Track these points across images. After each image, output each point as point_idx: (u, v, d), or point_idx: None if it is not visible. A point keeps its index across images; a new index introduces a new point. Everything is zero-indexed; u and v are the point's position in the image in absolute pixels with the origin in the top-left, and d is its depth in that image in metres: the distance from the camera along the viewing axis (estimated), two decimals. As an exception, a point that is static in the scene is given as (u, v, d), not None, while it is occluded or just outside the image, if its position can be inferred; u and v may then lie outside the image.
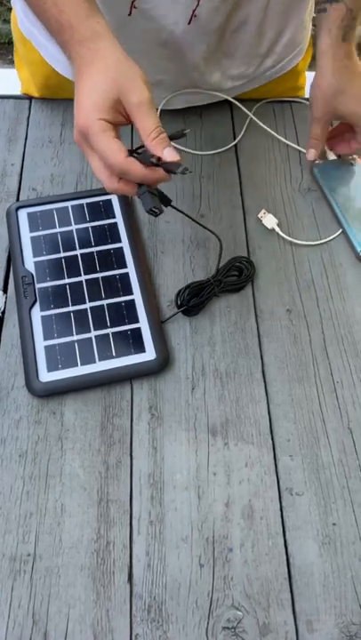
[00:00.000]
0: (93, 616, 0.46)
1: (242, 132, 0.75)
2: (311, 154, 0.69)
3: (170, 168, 0.49)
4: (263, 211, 0.68)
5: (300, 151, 0.74)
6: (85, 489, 0.51)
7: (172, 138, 0.51)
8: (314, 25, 0.71)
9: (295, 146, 0.75)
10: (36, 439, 0.53)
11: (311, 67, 0.77)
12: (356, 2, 0.64)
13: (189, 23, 0.63)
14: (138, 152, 0.50)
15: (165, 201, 0.53)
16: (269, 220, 0.67)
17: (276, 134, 0.75)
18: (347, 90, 0.65)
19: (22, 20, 0.73)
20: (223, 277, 0.61)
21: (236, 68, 0.73)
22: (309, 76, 0.82)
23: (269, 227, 0.67)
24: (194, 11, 0.62)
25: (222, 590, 0.48)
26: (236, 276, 0.62)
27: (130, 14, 0.63)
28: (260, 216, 0.67)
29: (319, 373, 0.58)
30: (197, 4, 0.62)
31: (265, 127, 0.75)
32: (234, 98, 0.77)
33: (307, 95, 0.80)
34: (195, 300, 0.60)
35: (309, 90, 0.69)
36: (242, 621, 0.47)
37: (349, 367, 0.59)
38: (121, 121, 0.49)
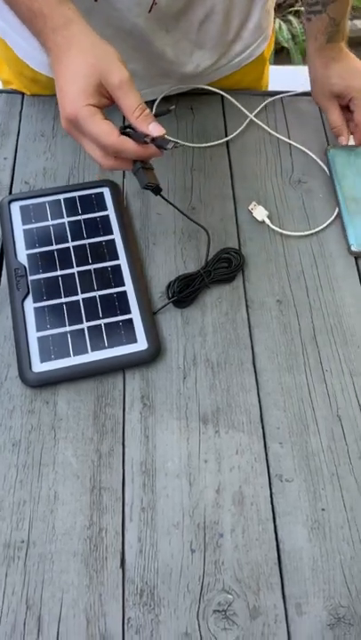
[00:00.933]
0: (86, 601, 0.47)
1: (237, 130, 0.76)
2: (342, 140, 0.72)
3: (160, 144, 0.50)
4: (254, 203, 0.68)
5: (290, 144, 0.75)
6: (78, 477, 0.52)
7: (157, 115, 0.52)
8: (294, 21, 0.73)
9: (285, 139, 0.75)
10: (30, 428, 0.54)
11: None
12: (338, 11, 0.68)
13: (150, 11, 0.65)
14: (130, 128, 0.51)
15: (156, 190, 0.54)
16: (260, 212, 0.67)
17: (266, 127, 0.76)
18: (335, 72, 0.70)
19: None
20: (212, 268, 0.62)
21: (208, 59, 0.75)
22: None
23: (260, 219, 0.67)
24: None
25: (213, 575, 0.48)
26: (225, 267, 0.63)
27: (96, 0, 0.63)
28: (250, 208, 0.68)
29: (309, 362, 0.59)
30: None
31: (257, 121, 0.76)
32: (223, 90, 0.78)
33: (277, 88, 0.82)
34: (186, 291, 0.61)
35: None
36: (232, 605, 0.47)
37: (338, 356, 0.59)
38: (105, 103, 0.50)
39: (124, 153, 0.50)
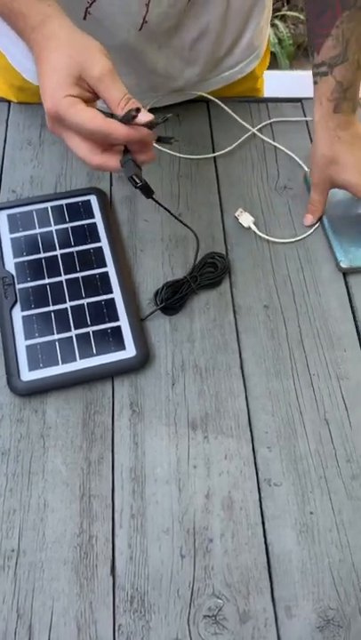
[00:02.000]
0: (77, 608, 0.47)
1: (228, 147, 0.77)
2: (308, 219, 0.69)
3: (150, 126, 0.48)
4: (240, 209, 0.69)
5: (276, 150, 0.76)
6: (68, 485, 0.52)
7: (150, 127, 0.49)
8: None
9: (271, 141, 0.76)
10: (19, 437, 0.54)
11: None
12: (345, 75, 0.62)
13: (140, 29, 0.65)
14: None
15: (149, 192, 0.52)
16: (246, 219, 0.68)
17: (255, 131, 0.76)
18: (340, 160, 0.65)
19: None
20: (199, 274, 0.63)
21: (198, 75, 0.75)
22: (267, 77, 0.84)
23: (246, 225, 0.68)
24: (144, 17, 0.63)
25: (203, 580, 0.49)
26: (211, 272, 0.64)
27: (85, 18, 0.64)
28: (236, 215, 0.69)
29: (296, 367, 0.60)
30: (147, 11, 0.63)
31: (245, 124, 0.77)
32: (215, 97, 0.78)
33: (266, 94, 0.83)
34: (173, 298, 0.61)
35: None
36: (222, 609, 0.48)
37: (325, 360, 0.60)
38: (87, 96, 0.48)
39: (112, 135, 0.47)
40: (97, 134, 0.47)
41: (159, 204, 0.57)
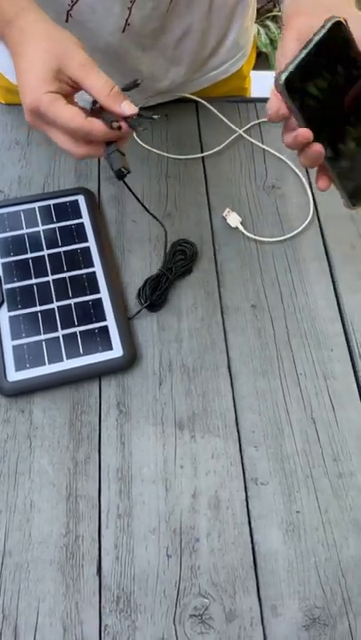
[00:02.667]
0: (63, 609, 0.47)
1: (217, 147, 0.77)
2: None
3: (133, 125, 0.48)
4: (227, 209, 0.69)
5: (264, 149, 0.76)
6: (54, 485, 0.52)
7: (124, 89, 0.50)
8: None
9: (259, 144, 0.76)
10: (5, 438, 0.54)
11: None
12: None
13: (123, 31, 0.64)
14: (97, 106, 0.49)
15: (122, 175, 0.51)
16: (233, 219, 0.68)
17: (242, 133, 0.76)
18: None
19: None
20: (172, 264, 0.63)
21: (183, 75, 0.75)
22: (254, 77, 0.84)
23: (233, 225, 0.68)
24: (127, 20, 0.63)
25: (189, 579, 0.49)
26: (182, 259, 0.64)
27: (67, 21, 0.64)
28: (224, 215, 0.69)
29: (283, 366, 0.60)
30: (129, 14, 0.63)
31: (232, 126, 0.77)
32: (203, 96, 0.78)
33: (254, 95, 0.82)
34: (156, 294, 0.61)
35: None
36: (208, 609, 0.48)
37: (312, 359, 0.60)
38: (67, 90, 0.48)
39: (92, 135, 0.47)
40: (79, 132, 0.47)
41: (129, 188, 0.57)
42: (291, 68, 0.43)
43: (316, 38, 0.44)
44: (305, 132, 0.45)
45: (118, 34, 0.65)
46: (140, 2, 0.62)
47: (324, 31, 0.44)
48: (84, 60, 0.47)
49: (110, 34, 0.65)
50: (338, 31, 0.44)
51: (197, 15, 0.68)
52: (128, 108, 0.47)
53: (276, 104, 0.45)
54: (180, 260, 0.64)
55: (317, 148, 0.45)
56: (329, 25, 0.44)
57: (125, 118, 0.48)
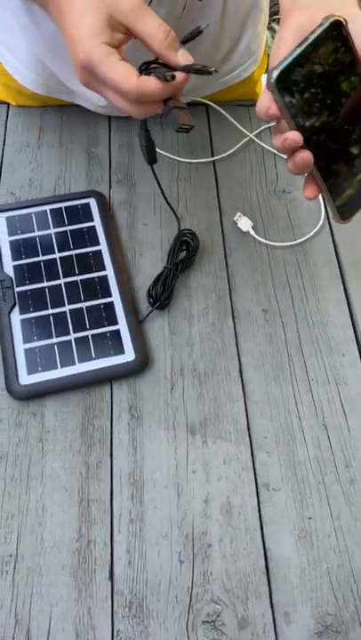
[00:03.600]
0: (75, 614, 0.47)
1: (228, 151, 0.77)
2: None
3: (197, 70, 0.45)
4: (238, 214, 0.69)
5: (275, 154, 0.76)
6: (66, 489, 0.52)
7: (185, 41, 0.46)
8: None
9: (270, 148, 0.76)
10: (17, 441, 0.54)
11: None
12: None
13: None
14: (156, 63, 0.45)
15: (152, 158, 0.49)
16: (244, 223, 0.68)
17: (253, 137, 0.76)
18: None
19: None
20: (176, 259, 0.63)
21: (195, 80, 0.74)
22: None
23: (244, 229, 0.68)
24: None
25: (202, 585, 0.49)
26: (185, 250, 0.64)
27: None
28: (235, 219, 0.69)
29: (295, 372, 0.60)
30: None
31: (243, 130, 0.77)
32: (214, 101, 0.78)
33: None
34: (165, 293, 0.61)
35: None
36: (221, 615, 0.48)
37: (324, 365, 0.60)
38: (121, 39, 0.44)
39: (147, 97, 0.43)
40: (131, 94, 0.43)
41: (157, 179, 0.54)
42: (283, 65, 0.41)
43: (313, 37, 0.41)
44: (294, 136, 0.42)
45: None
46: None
47: (321, 29, 0.41)
48: (135, 2, 0.42)
49: None
50: (336, 30, 0.41)
51: (210, 21, 0.68)
52: (184, 57, 0.43)
53: (266, 102, 0.42)
54: (182, 251, 0.63)
55: (305, 155, 0.42)
56: (327, 23, 0.41)
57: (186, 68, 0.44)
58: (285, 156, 0.45)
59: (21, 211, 0.66)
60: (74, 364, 0.56)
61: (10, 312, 0.58)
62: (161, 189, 0.58)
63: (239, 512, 0.52)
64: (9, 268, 0.61)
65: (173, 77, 0.44)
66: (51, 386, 0.55)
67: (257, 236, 0.68)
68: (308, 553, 0.51)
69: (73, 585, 0.48)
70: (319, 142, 0.44)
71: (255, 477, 0.54)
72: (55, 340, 0.58)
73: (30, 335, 0.58)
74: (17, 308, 0.59)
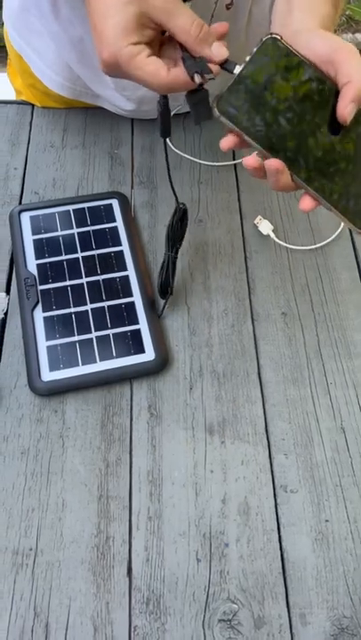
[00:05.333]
0: (93, 608, 0.48)
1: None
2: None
3: (226, 68, 0.44)
4: (259, 217, 0.69)
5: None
6: (86, 485, 0.53)
7: (189, 96, 0.44)
8: None
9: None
10: (38, 437, 0.55)
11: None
12: None
13: None
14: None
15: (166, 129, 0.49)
16: (265, 227, 0.68)
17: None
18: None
19: (14, 37, 0.75)
20: (175, 237, 0.59)
21: (218, 86, 0.75)
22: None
23: (265, 233, 0.68)
24: None
25: (219, 584, 0.49)
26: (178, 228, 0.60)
27: None
28: (256, 222, 0.69)
29: (313, 375, 0.60)
30: None
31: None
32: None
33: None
34: (169, 281, 0.59)
35: None
36: (237, 614, 0.48)
37: (343, 369, 0.60)
38: (151, 35, 0.43)
39: (177, 91, 0.43)
40: (162, 90, 0.43)
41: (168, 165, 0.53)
42: (223, 93, 0.41)
43: (248, 57, 0.41)
44: (251, 162, 0.43)
45: None
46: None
47: (256, 49, 0.41)
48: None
49: None
50: (273, 48, 0.41)
51: (236, 30, 0.69)
52: (218, 51, 0.42)
53: (226, 138, 0.43)
54: (178, 229, 0.59)
55: (273, 162, 0.42)
56: (260, 44, 0.41)
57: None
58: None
59: (45, 210, 0.67)
60: (95, 362, 0.57)
61: (33, 309, 0.59)
62: (168, 168, 0.55)
63: (256, 513, 0.52)
64: (32, 266, 0.62)
65: (203, 78, 0.43)
66: (72, 383, 0.56)
67: (277, 240, 0.68)
68: (325, 555, 0.51)
69: (92, 580, 0.49)
70: (295, 158, 0.43)
71: (273, 479, 0.54)
72: (77, 337, 0.58)
73: (52, 333, 0.58)
74: (40, 306, 0.60)
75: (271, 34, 0.42)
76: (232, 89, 0.42)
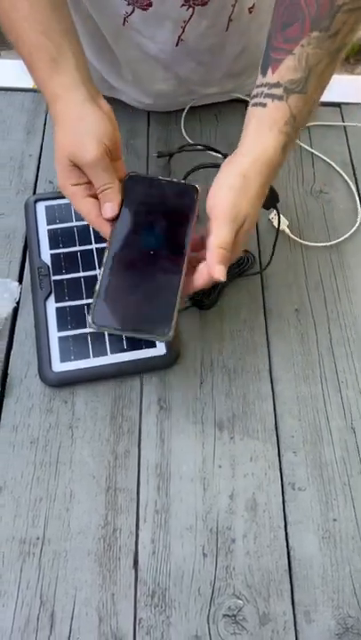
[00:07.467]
0: (99, 599, 0.48)
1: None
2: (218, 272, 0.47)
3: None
4: (274, 212, 0.68)
5: (312, 153, 0.75)
6: (94, 477, 0.53)
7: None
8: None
9: (308, 148, 0.76)
10: (48, 427, 0.55)
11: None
12: (301, 110, 0.50)
13: (177, 45, 0.65)
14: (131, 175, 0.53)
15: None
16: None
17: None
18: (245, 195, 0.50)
19: None
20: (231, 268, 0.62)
21: (236, 81, 0.75)
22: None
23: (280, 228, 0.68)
24: (180, 36, 0.64)
25: (224, 579, 0.49)
26: (240, 264, 0.64)
27: (123, 25, 0.65)
28: (271, 217, 0.69)
29: (325, 373, 0.60)
30: (182, 32, 0.63)
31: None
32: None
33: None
34: (213, 295, 0.61)
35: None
36: (242, 610, 0.48)
37: (355, 368, 0.60)
38: (86, 179, 0.50)
39: (100, 232, 0.51)
40: (92, 224, 0.51)
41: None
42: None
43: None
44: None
45: (171, 47, 0.66)
46: (194, 21, 0.62)
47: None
48: (91, 158, 0.48)
49: (163, 43, 0.66)
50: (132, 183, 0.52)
51: (256, 30, 0.68)
52: (108, 210, 0.50)
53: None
54: (235, 267, 0.63)
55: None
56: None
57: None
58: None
59: (60, 200, 0.66)
60: (106, 354, 0.57)
61: (45, 300, 0.59)
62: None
63: (264, 509, 0.52)
64: (46, 256, 0.62)
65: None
66: (82, 374, 0.56)
67: (292, 235, 0.68)
68: (332, 554, 0.51)
69: (98, 571, 0.49)
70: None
71: (281, 476, 0.54)
72: (88, 329, 0.58)
73: (65, 323, 0.58)
74: (52, 296, 0.60)
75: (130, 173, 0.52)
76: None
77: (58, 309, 0.59)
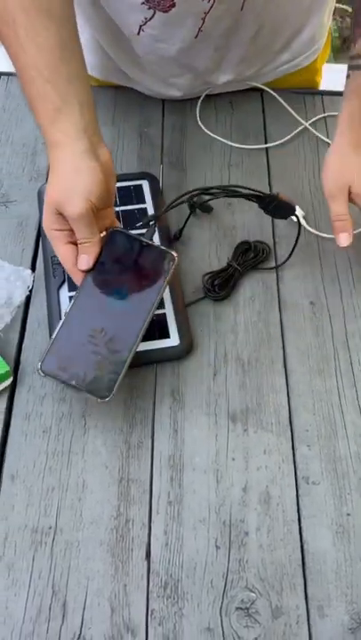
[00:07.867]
0: (111, 590, 0.48)
1: (286, 137, 0.75)
2: (342, 238, 0.58)
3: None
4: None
5: (329, 144, 0.74)
6: (107, 467, 0.52)
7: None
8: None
9: (325, 138, 0.75)
10: (60, 416, 0.55)
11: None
12: None
13: (196, 37, 0.65)
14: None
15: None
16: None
17: (308, 126, 0.75)
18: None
19: None
20: (242, 259, 0.63)
21: (252, 67, 0.74)
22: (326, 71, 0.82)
23: (295, 219, 0.67)
24: (200, 28, 0.64)
25: (237, 572, 0.49)
26: (252, 257, 0.63)
27: (138, 34, 0.65)
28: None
29: (340, 366, 0.59)
30: (203, 23, 0.63)
31: (298, 118, 0.75)
32: (270, 87, 0.77)
33: (323, 87, 0.81)
34: (228, 286, 0.61)
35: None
36: (255, 603, 0.48)
37: (370, 362, 0.59)
38: (69, 227, 0.51)
39: (73, 278, 0.53)
40: (68, 271, 0.53)
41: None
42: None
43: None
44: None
45: (191, 40, 0.65)
46: (213, 9, 0.62)
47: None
48: (75, 214, 0.50)
49: (182, 41, 0.66)
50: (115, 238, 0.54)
51: (273, 10, 0.66)
52: (82, 262, 0.52)
53: None
54: (252, 259, 0.63)
55: None
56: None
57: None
58: None
59: (73, 188, 0.65)
60: (119, 343, 0.56)
61: (59, 288, 0.59)
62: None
63: (278, 503, 0.52)
64: (59, 244, 0.61)
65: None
66: (96, 364, 0.56)
67: (308, 227, 0.67)
68: (346, 549, 0.50)
69: (110, 561, 0.49)
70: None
71: (295, 470, 0.53)
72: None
73: (78, 312, 0.58)
74: (66, 285, 0.59)
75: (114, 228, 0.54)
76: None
77: (71, 298, 0.58)
